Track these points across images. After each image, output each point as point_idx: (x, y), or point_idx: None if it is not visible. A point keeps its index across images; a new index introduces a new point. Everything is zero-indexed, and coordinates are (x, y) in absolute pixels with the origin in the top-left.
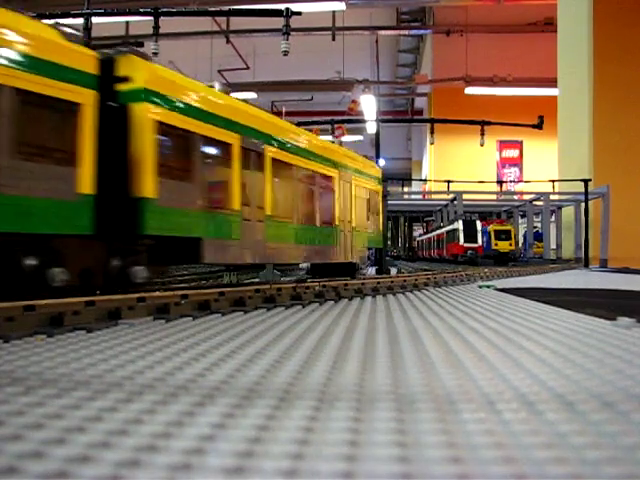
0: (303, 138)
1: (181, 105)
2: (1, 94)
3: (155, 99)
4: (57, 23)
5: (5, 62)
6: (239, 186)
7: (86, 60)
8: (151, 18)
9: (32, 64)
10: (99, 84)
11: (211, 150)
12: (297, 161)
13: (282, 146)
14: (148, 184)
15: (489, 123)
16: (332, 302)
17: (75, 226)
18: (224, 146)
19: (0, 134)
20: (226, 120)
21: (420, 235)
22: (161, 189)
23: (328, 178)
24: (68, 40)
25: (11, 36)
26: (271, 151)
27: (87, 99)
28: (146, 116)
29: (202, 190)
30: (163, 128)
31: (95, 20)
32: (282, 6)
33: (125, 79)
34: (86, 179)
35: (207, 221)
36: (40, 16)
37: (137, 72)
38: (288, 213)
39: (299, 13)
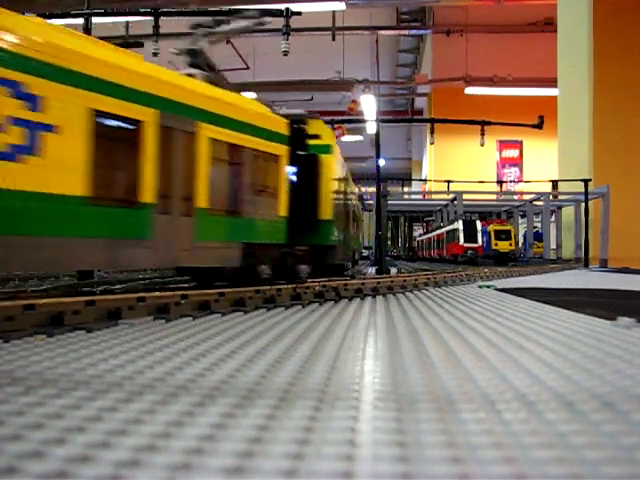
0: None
1: (337, 155)
2: (243, 153)
3: (334, 152)
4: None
5: (243, 131)
6: (344, 209)
7: (282, 125)
8: (151, 18)
9: (256, 131)
10: (289, 140)
11: (340, 184)
12: (351, 188)
13: (347, 182)
14: (330, 210)
15: (489, 123)
16: (332, 302)
17: (277, 238)
18: (344, 181)
19: (243, 179)
20: (343, 163)
21: (420, 235)
22: (334, 213)
23: (353, 199)
24: (271, 110)
25: (243, 115)
26: (348, 185)
27: (283, 152)
28: (331, 164)
29: (338, 211)
30: (334, 171)
31: (95, 20)
32: (282, 6)
33: (315, 136)
34: (283, 205)
35: (338, 233)
36: (40, 16)
37: (325, 132)
38: (352, 227)
39: (299, 13)
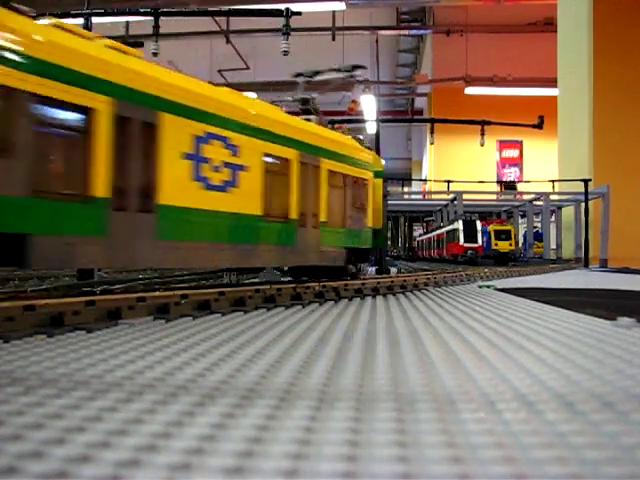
0: None
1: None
2: (347, 179)
3: (381, 176)
4: (351, 133)
5: (346, 162)
6: None
7: (369, 156)
8: (151, 18)
9: (354, 162)
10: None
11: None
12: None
13: None
14: (382, 221)
15: (489, 123)
16: (332, 302)
17: (367, 243)
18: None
19: (348, 199)
20: None
21: (420, 235)
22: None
23: None
24: (360, 144)
25: (345, 150)
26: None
27: (370, 177)
28: (381, 185)
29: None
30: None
31: (95, 20)
32: (282, 6)
33: None
34: (370, 218)
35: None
36: (40, 16)
37: (377, 161)
38: None
39: (299, 13)
